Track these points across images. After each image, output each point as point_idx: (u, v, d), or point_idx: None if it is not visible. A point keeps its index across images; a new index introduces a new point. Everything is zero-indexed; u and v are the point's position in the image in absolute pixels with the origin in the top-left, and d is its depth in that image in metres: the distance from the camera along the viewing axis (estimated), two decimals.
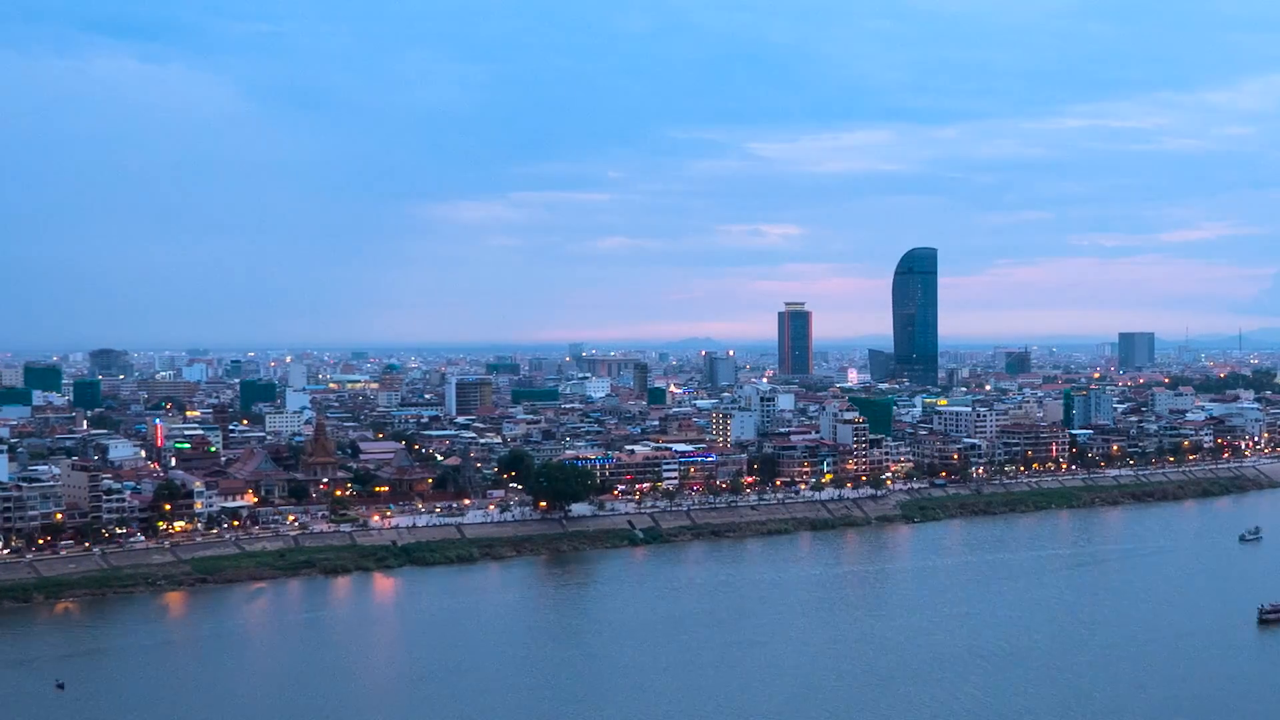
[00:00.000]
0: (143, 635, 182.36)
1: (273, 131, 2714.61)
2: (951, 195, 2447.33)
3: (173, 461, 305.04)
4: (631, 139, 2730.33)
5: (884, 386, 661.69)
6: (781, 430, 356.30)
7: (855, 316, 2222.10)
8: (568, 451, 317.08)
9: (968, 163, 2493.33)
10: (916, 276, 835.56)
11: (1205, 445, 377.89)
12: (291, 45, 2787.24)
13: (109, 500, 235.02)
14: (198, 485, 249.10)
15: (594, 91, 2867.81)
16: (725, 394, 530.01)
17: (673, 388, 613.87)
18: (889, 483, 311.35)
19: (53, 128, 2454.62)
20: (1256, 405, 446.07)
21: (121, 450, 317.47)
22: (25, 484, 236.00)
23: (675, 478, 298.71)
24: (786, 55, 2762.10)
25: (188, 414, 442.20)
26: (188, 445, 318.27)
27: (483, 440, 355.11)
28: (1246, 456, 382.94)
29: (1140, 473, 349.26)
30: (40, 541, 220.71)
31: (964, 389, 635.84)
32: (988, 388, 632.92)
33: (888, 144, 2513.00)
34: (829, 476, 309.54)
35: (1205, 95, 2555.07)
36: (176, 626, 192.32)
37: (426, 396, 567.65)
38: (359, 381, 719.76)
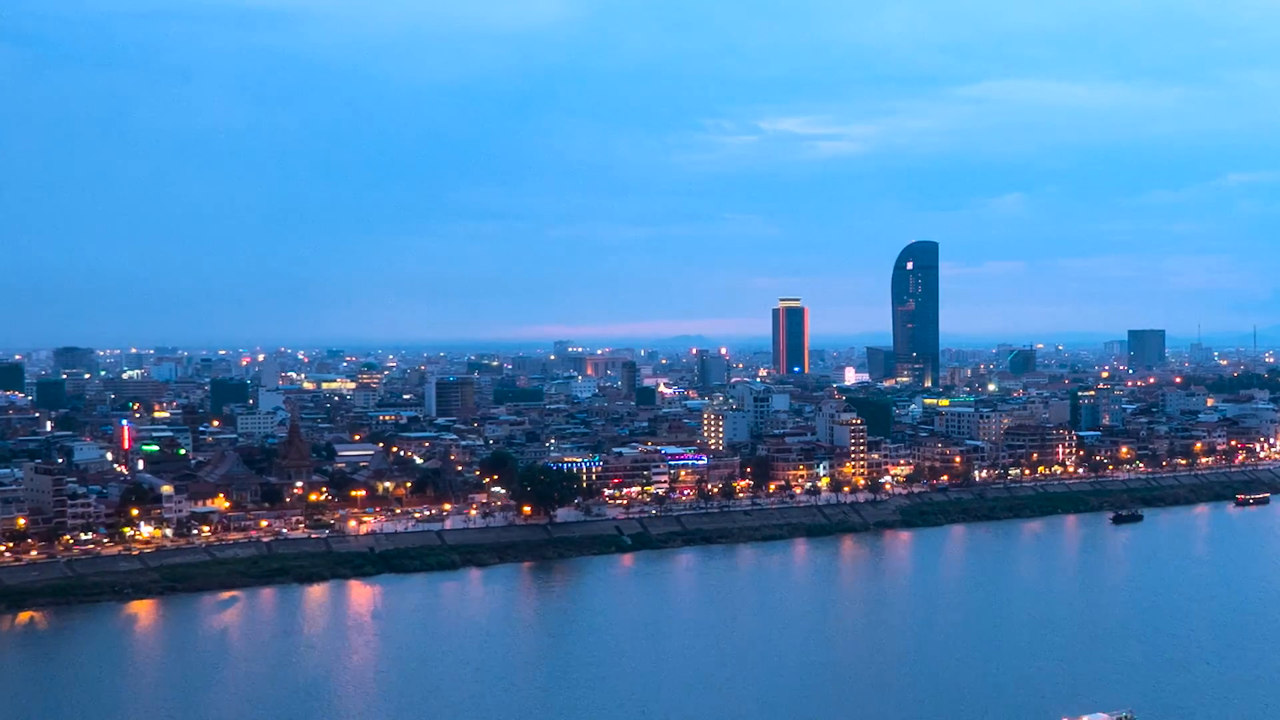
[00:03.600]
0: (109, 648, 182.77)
1: (246, 114, 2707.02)
2: (954, 184, 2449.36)
3: (140, 464, 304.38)
4: (615, 122, 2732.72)
5: (883, 386, 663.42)
6: (776, 432, 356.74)
7: (853, 313, 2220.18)
8: (553, 454, 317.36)
9: (970, 149, 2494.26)
10: (917, 271, 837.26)
11: (1218, 447, 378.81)
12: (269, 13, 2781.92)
13: (74, 505, 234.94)
14: (167, 489, 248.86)
15: (584, 70, 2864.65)
16: (717, 393, 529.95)
17: (662, 387, 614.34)
18: (888, 487, 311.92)
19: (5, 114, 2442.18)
20: (1272, 405, 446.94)
21: (87, 452, 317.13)
22: None
23: (665, 481, 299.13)
24: (789, 19, 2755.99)
25: (156, 414, 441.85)
26: (156, 447, 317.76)
27: (464, 442, 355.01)
28: (1261, 458, 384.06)
29: (1150, 476, 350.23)
30: (2, 548, 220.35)
31: (967, 389, 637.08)
32: (991, 387, 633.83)
33: (885, 130, 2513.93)
34: (826, 480, 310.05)
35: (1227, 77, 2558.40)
36: (143, 639, 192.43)
37: (405, 397, 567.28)
38: (335, 381, 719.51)
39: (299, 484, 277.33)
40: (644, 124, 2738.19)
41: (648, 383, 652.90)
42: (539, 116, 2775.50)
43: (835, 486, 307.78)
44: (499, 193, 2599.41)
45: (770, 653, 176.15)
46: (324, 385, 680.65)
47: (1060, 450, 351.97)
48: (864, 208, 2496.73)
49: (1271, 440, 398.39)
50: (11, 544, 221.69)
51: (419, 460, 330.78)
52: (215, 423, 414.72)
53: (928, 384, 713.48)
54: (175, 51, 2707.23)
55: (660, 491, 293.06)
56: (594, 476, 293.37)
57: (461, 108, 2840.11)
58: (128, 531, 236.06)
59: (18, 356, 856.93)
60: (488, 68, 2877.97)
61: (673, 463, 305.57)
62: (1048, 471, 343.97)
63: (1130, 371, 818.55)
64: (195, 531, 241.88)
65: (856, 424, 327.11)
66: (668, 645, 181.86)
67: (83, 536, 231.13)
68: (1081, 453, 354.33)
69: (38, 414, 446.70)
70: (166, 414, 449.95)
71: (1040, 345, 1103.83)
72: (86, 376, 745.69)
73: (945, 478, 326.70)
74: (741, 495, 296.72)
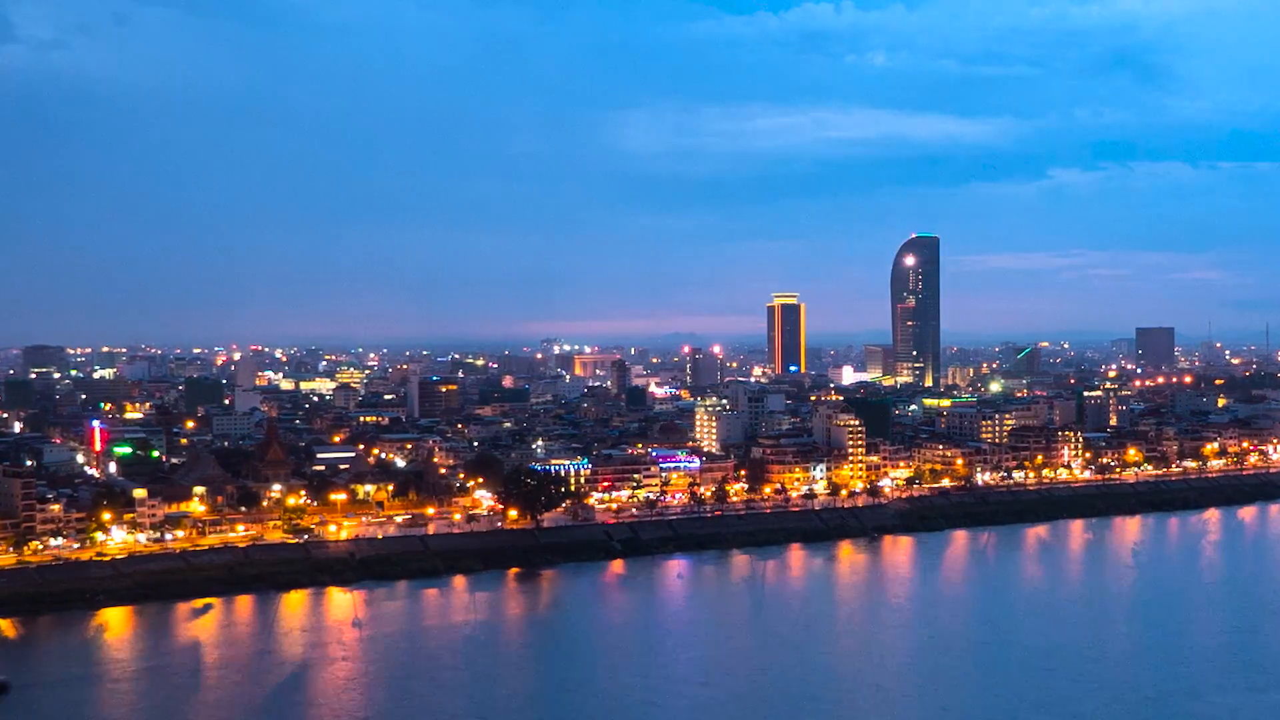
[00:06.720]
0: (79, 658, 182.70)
1: (222, 105, 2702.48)
2: (955, 178, 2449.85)
3: (113, 467, 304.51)
4: (606, 111, 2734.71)
5: (882, 385, 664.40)
6: (771, 433, 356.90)
7: (851, 310, 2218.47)
8: (540, 456, 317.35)
9: (972, 141, 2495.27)
10: (917, 266, 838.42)
11: (1230, 449, 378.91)
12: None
13: (43, 509, 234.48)
14: (140, 493, 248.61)
15: (573, 57, 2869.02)
16: (710, 393, 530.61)
17: (653, 387, 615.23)
18: (887, 490, 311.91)
19: None
20: None
21: (57, 454, 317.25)
22: None
23: (656, 484, 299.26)
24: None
25: (128, 414, 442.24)
26: (129, 449, 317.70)
27: (448, 444, 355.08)
28: (1274, 461, 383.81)
29: (1159, 480, 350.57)
30: None
31: (969, 388, 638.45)
32: (994, 386, 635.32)
33: (884, 122, 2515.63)
34: (823, 483, 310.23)
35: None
36: (114, 648, 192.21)
37: (387, 397, 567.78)
38: (313, 380, 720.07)
39: (277, 487, 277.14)
40: (638, 114, 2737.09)
41: (638, 382, 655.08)
42: (525, 105, 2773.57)
43: (832, 489, 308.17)
44: (483, 184, 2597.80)
45: (764, 664, 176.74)
46: (302, 385, 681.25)
47: (1066, 452, 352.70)
48: (863, 199, 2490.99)
49: None
50: None
51: (401, 462, 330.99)
52: (190, 423, 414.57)
53: (928, 383, 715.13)
54: (152, 42, 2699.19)
55: (651, 495, 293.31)
56: (583, 479, 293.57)
57: (442, 96, 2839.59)
58: (99, 536, 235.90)
59: None
60: (465, 53, 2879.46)
61: (664, 465, 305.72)
62: (1053, 474, 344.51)
63: (1138, 371, 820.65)
64: (169, 537, 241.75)
65: (854, 425, 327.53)
66: (658, 657, 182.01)
67: (53, 541, 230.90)
68: (1088, 455, 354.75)
69: (6, 414, 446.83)
70: (139, 414, 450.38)
71: (1045, 343, 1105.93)
72: (56, 375, 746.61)
73: (947, 480, 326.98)
74: (735, 498, 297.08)
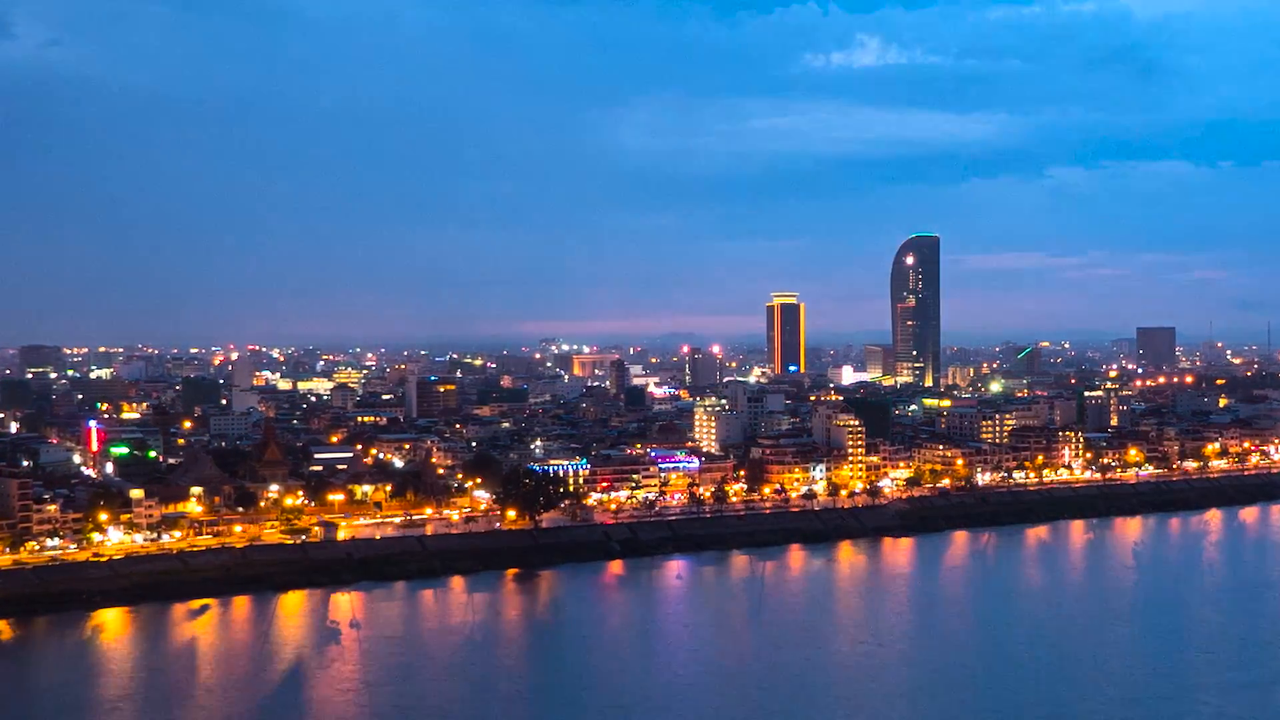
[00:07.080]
0: (75, 660, 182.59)
1: (215, 102, 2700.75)
2: (954, 176, 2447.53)
3: (110, 467, 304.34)
4: (601, 109, 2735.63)
5: (882, 385, 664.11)
6: (771, 433, 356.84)
7: (851, 309, 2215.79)
8: (539, 456, 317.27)
9: (970, 139, 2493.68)
10: (917, 266, 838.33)
11: (1231, 449, 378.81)
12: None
13: (40, 509, 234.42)
14: (137, 493, 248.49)
15: (566, 51, 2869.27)
16: (709, 393, 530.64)
17: (652, 387, 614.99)
18: (888, 490, 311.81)
19: None
20: None
21: (54, 454, 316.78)
22: None
23: (655, 485, 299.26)
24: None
25: (125, 414, 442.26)
26: (126, 449, 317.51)
27: (446, 443, 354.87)
28: (1277, 461, 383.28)
29: (1160, 480, 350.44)
30: None
31: (969, 389, 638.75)
32: (995, 387, 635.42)
33: (882, 121, 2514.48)
34: (822, 483, 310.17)
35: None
36: (110, 650, 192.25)
37: (385, 397, 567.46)
38: (311, 380, 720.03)
39: (274, 488, 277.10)
40: (635, 112, 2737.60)
41: (637, 382, 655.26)
42: (522, 103, 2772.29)
43: (832, 490, 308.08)
44: (480, 183, 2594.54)
45: (763, 665, 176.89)
46: (300, 385, 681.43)
47: (1066, 452, 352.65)
48: (863, 199, 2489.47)
49: None
50: None
51: (399, 462, 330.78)
52: (187, 423, 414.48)
53: (928, 383, 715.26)
54: (149, 40, 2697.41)
55: (650, 495, 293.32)
56: (581, 480, 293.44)
57: (438, 93, 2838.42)
58: (96, 537, 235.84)
59: None
60: (461, 51, 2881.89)
61: (663, 465, 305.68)
62: (1054, 474, 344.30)
63: (1139, 371, 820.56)
64: (166, 537, 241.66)
65: (854, 425, 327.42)
66: (657, 657, 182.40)
67: (49, 542, 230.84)
68: (1089, 455, 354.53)
69: (3, 414, 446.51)
70: (136, 414, 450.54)
71: (1045, 343, 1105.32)
72: (53, 375, 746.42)
73: (947, 481, 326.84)
74: (735, 499, 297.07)
